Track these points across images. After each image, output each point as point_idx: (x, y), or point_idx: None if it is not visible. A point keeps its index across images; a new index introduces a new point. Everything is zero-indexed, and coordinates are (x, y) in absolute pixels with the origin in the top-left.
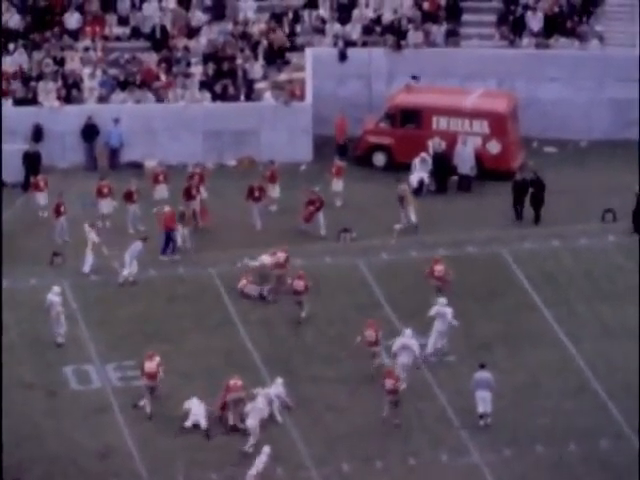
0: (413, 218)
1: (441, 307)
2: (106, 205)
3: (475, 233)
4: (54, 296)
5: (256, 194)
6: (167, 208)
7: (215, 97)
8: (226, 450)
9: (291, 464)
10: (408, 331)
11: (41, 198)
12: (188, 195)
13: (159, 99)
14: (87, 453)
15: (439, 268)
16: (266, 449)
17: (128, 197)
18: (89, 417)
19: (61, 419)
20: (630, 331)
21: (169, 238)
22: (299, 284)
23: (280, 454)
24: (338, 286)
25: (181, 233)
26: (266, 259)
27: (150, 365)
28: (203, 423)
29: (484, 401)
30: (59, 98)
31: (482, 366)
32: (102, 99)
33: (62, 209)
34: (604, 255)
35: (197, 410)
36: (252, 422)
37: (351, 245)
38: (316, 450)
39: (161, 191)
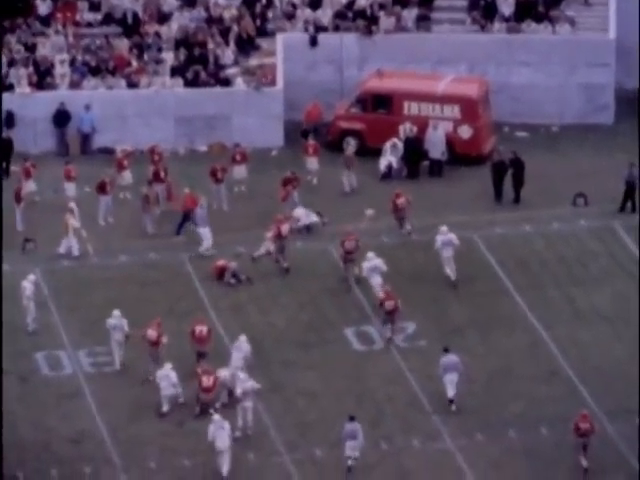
0: (353, 182)
1: (444, 235)
2: (71, 188)
3: (446, 218)
4: (26, 283)
5: (219, 175)
6: (187, 190)
7: (187, 83)
8: (198, 436)
9: (263, 449)
10: (371, 254)
11: (32, 184)
12: (156, 178)
13: (131, 85)
14: (59, 439)
15: (401, 201)
16: (216, 417)
17: (101, 188)
18: (61, 403)
19: (33, 405)
20: (602, 316)
21: (186, 219)
22: (285, 228)
23: (252, 440)
24: (309, 271)
25: (147, 218)
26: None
27: (151, 333)
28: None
29: (453, 384)
30: (31, 84)
31: (446, 350)
32: (74, 85)
33: (22, 195)
34: (576, 240)
35: (168, 379)
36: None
37: (322, 230)
38: (288, 435)
39: (126, 177)
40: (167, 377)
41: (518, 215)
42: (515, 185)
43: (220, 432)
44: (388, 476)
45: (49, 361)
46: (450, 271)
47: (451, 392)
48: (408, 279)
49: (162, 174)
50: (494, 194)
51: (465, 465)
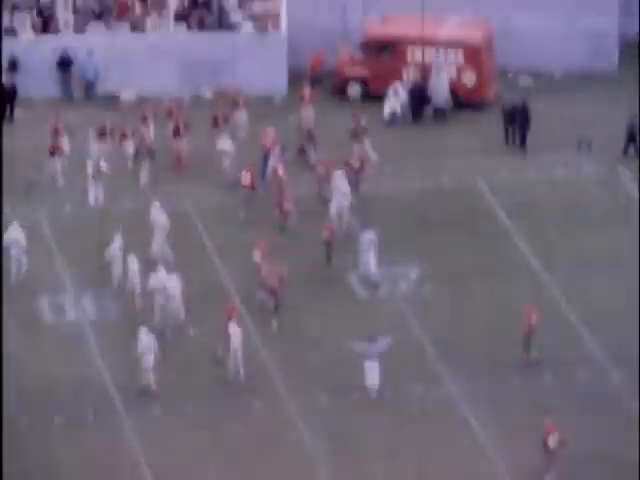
0: (372, 155)
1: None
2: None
3: (451, 164)
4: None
5: (220, 123)
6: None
7: (191, 29)
8: (200, 382)
9: (266, 395)
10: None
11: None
12: (176, 133)
13: (135, 31)
14: (63, 385)
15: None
16: (143, 329)
17: (101, 136)
18: (64, 349)
19: (36, 351)
20: (605, 261)
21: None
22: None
23: (255, 385)
24: (314, 216)
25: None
26: None
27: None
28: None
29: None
30: (34, 29)
31: (365, 226)
32: (77, 31)
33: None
34: (579, 186)
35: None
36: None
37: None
38: (291, 381)
39: (149, 132)
40: (164, 289)
41: (522, 161)
42: (522, 132)
43: (147, 352)
44: (392, 422)
45: (52, 307)
46: None
47: (373, 268)
48: (413, 224)
49: (182, 129)
50: (504, 139)
51: (469, 410)
